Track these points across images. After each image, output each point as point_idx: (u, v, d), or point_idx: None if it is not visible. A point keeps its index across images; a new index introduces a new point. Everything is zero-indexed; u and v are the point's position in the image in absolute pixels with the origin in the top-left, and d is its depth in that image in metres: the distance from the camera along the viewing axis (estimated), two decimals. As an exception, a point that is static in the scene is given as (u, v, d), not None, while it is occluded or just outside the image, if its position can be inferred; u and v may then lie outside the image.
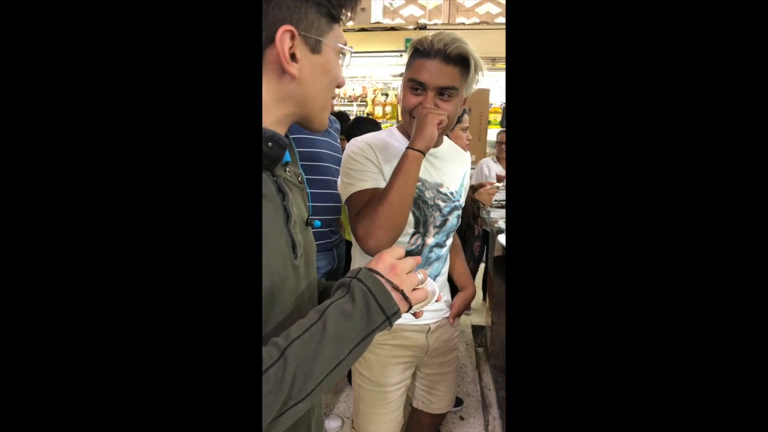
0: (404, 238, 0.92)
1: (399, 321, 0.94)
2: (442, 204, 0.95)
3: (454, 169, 0.99)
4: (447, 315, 1.05)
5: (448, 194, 0.96)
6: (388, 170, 0.86)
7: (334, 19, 0.48)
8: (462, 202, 1.01)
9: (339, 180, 0.91)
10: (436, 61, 0.82)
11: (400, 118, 0.95)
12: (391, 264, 0.49)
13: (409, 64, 0.87)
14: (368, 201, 0.81)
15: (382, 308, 0.46)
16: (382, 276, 0.47)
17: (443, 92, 0.84)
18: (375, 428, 1.01)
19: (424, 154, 0.80)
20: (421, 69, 0.83)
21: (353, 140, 0.90)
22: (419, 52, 0.84)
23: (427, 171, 0.93)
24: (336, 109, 3.95)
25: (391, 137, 0.93)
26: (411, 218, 0.90)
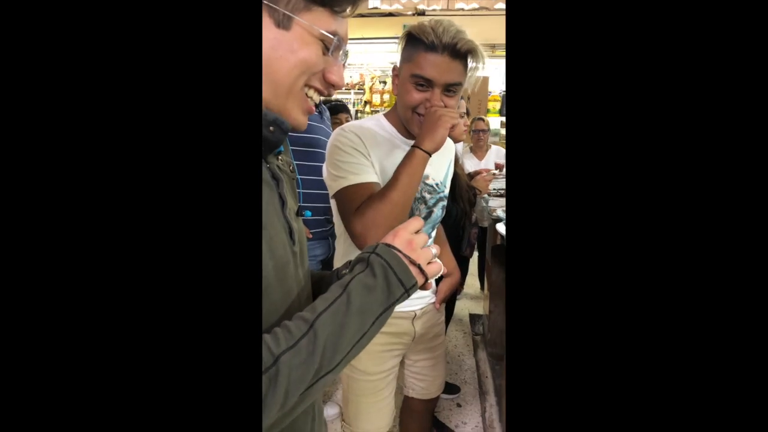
0: None
1: None
2: (427, 196, 0.94)
3: (439, 160, 0.97)
4: (433, 301, 1.06)
5: (434, 185, 0.95)
6: (378, 162, 0.84)
7: (315, 0, 0.44)
8: (446, 192, 1.00)
9: (325, 170, 0.87)
10: (444, 56, 0.78)
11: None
12: (407, 239, 0.50)
13: (409, 56, 0.82)
14: (363, 196, 0.79)
15: (401, 281, 0.47)
16: (399, 251, 0.49)
17: (450, 88, 0.81)
18: (367, 419, 1.00)
19: (430, 156, 0.78)
20: (428, 64, 0.79)
21: (339, 129, 0.86)
22: (424, 45, 0.79)
23: None
24: (333, 97, 3.88)
25: (379, 127, 0.90)
26: None
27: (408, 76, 0.82)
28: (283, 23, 0.43)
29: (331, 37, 0.46)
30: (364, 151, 0.84)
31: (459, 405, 1.88)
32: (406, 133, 0.89)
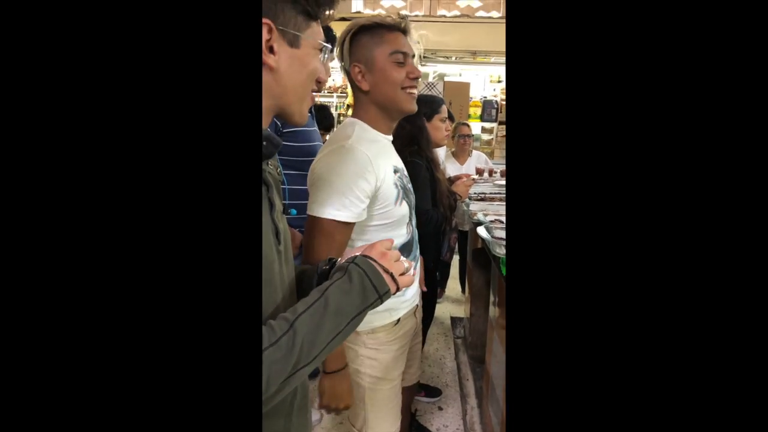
0: (403, 231, 0.94)
1: (397, 308, 0.95)
2: (409, 186, 0.98)
3: (396, 155, 1.02)
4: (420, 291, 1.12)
5: (408, 177, 0.99)
6: (382, 170, 0.85)
7: (311, 16, 0.52)
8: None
9: (317, 185, 0.84)
10: (401, 34, 0.90)
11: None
12: (381, 252, 0.56)
13: (378, 41, 0.87)
14: (332, 234, 0.82)
15: (375, 287, 0.53)
16: (375, 261, 0.55)
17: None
18: (390, 423, 1.01)
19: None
20: (399, 40, 0.88)
21: (349, 148, 0.82)
22: (386, 28, 0.88)
23: (396, 158, 0.96)
24: (316, 100, 3.85)
25: (365, 132, 0.90)
26: (407, 208, 0.92)
27: (386, 57, 0.87)
28: (294, 42, 0.51)
29: (327, 46, 0.55)
30: (371, 176, 0.83)
31: (440, 408, 1.89)
32: (383, 129, 0.93)
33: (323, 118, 2.23)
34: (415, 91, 0.91)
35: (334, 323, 0.50)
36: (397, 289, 0.56)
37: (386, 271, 0.55)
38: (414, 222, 0.99)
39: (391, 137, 0.96)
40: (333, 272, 0.55)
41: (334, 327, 0.50)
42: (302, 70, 0.52)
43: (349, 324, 0.51)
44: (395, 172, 0.91)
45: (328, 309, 0.49)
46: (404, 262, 0.57)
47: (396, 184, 0.90)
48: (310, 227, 0.85)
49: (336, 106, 5.26)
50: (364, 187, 0.82)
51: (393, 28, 0.88)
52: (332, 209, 0.81)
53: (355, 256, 0.55)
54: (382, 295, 0.54)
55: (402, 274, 0.56)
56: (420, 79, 0.94)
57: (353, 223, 0.84)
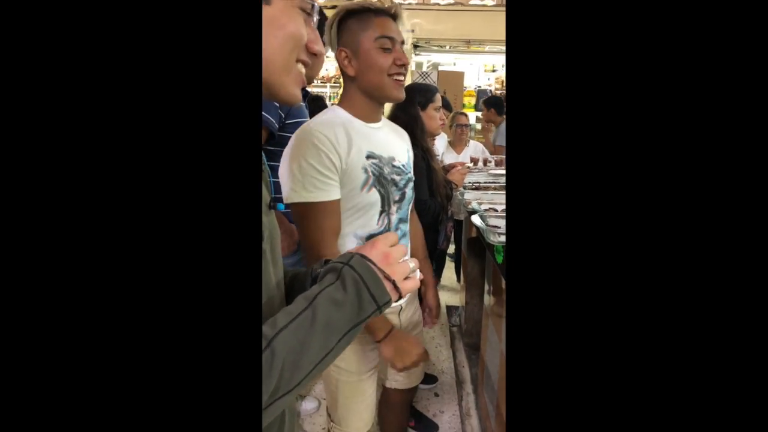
0: (371, 221, 0.90)
1: None
2: (397, 178, 0.94)
3: (398, 142, 0.99)
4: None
5: (401, 167, 0.96)
6: (346, 153, 0.83)
7: None
8: (412, 174, 1.02)
9: (286, 170, 0.82)
10: (389, 18, 0.87)
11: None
12: (384, 252, 0.47)
13: (363, 26, 0.85)
14: (317, 217, 0.81)
15: (373, 297, 0.44)
16: (375, 264, 0.46)
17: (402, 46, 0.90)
18: (358, 417, 1.01)
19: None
20: (385, 25, 0.85)
21: (307, 131, 0.82)
22: (372, 12, 0.86)
23: (379, 145, 0.90)
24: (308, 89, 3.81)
25: (337, 118, 0.88)
26: (377, 197, 0.89)
27: (372, 42, 0.85)
28: None
29: (310, 2, 0.45)
30: (334, 155, 0.82)
31: (436, 394, 1.92)
32: (363, 116, 0.90)
33: (317, 108, 2.22)
34: (402, 78, 0.88)
35: (323, 341, 0.41)
36: (400, 297, 0.47)
37: (387, 277, 0.45)
38: (396, 215, 0.95)
39: (378, 125, 0.93)
40: (324, 273, 0.46)
41: (323, 345, 0.41)
42: (277, 33, 0.42)
43: (341, 340, 0.43)
44: (368, 157, 0.86)
45: (316, 323, 0.41)
46: (410, 261, 0.49)
47: (366, 169, 0.86)
48: (294, 218, 0.84)
49: (329, 97, 5.23)
50: (327, 164, 0.80)
51: (381, 12, 0.85)
52: (303, 192, 0.80)
53: (351, 256, 0.46)
54: (381, 306, 0.45)
55: (406, 278, 0.48)
56: (414, 69, 0.94)
57: (336, 202, 0.83)
